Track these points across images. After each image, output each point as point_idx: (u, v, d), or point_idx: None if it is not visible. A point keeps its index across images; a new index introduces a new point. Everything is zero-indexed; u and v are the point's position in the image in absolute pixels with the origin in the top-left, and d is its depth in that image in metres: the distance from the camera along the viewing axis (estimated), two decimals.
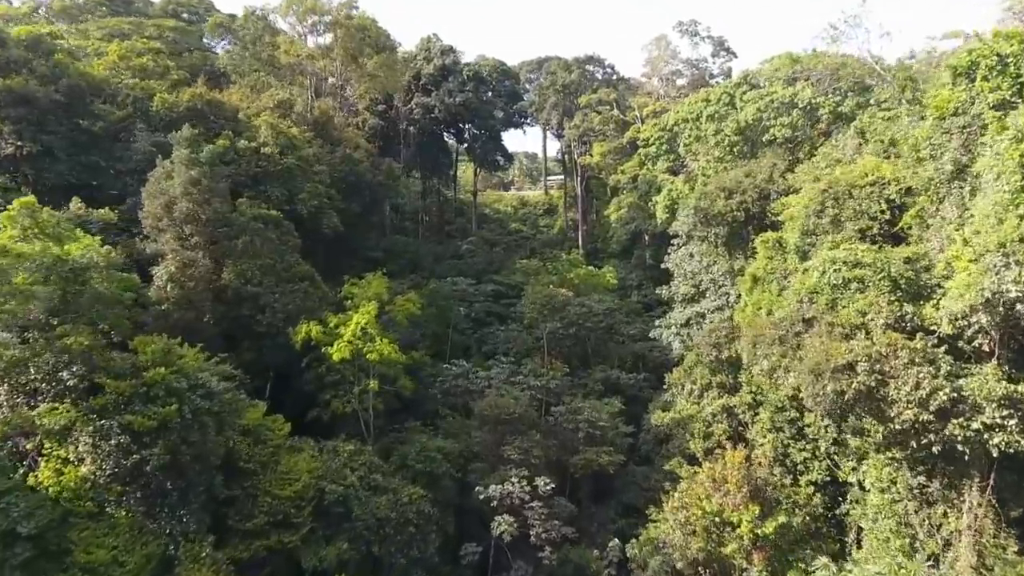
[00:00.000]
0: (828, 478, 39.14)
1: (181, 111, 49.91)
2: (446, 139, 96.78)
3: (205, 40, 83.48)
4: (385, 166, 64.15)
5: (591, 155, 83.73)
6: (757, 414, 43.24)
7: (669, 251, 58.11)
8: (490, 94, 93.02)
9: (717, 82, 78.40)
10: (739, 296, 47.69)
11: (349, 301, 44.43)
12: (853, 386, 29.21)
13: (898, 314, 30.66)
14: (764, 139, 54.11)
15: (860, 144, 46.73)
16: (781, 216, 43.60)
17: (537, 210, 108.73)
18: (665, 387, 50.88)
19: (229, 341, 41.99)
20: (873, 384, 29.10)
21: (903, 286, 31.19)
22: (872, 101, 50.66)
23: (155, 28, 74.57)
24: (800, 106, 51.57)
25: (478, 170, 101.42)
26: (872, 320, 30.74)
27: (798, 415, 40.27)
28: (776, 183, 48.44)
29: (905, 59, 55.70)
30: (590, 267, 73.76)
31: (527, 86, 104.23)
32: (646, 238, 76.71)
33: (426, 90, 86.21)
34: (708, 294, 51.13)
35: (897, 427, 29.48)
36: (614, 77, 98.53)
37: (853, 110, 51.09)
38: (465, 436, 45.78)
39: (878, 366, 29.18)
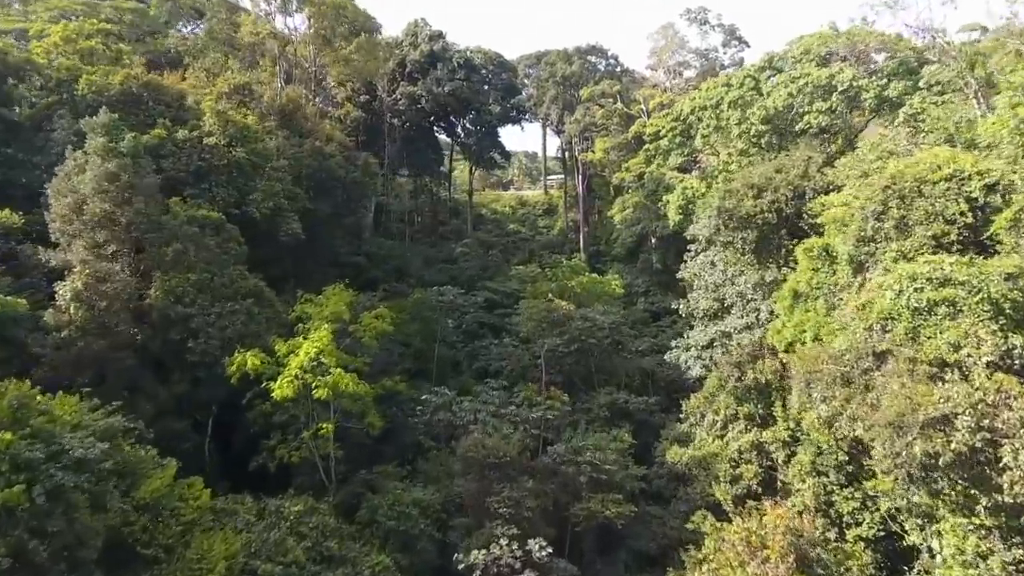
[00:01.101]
0: (882, 532, 32.11)
1: (113, 95, 42.27)
2: (435, 134, 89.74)
3: (179, 27, 76.43)
4: (362, 162, 56.60)
5: (593, 151, 77.91)
6: (794, 453, 36.29)
7: (685, 258, 50.84)
8: (486, 86, 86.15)
9: (728, 73, 71.43)
10: (772, 313, 40.61)
11: (302, 324, 36.85)
12: (952, 447, 21.89)
13: (1004, 348, 23.30)
14: (795, 129, 46.90)
15: (912, 133, 40.01)
16: (821, 218, 36.66)
17: (536, 210, 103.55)
18: (682, 415, 43.99)
19: (159, 371, 34.80)
20: (979, 444, 21.80)
21: (1007, 311, 23.83)
22: (923, 84, 43.65)
23: (112, 10, 67.87)
24: (840, 89, 44.25)
25: (474, 168, 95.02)
26: (970, 356, 23.38)
27: (847, 458, 33.37)
28: (813, 179, 41.36)
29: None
30: (593, 274, 66.92)
31: (525, 81, 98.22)
32: (653, 240, 69.69)
33: (412, 78, 78.93)
34: (734, 310, 43.58)
35: (1007, 500, 22.22)
36: (617, 69, 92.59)
37: (901, 95, 44.04)
38: (448, 481, 38.38)
39: (985, 421, 21.86)
